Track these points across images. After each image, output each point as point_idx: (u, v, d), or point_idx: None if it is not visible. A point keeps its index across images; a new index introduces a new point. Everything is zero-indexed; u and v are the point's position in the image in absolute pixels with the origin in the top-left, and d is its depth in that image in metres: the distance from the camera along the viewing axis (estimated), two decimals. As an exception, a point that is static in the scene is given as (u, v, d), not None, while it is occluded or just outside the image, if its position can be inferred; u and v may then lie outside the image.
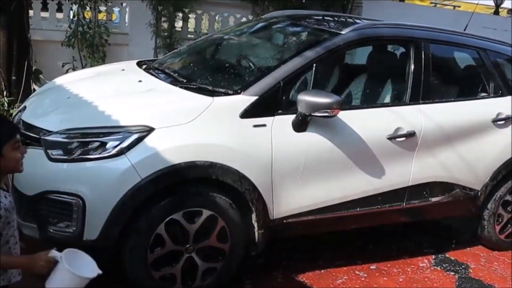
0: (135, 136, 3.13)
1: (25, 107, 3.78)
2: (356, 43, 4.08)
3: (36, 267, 2.18)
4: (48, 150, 3.16)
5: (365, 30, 4.11)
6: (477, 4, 6.95)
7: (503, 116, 4.39)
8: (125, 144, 3.10)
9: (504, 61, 4.68)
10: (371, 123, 3.87)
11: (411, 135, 3.94)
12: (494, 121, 4.36)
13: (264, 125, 3.47)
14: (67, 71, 6.84)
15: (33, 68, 6.71)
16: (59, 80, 4.21)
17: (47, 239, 3.20)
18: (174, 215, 3.25)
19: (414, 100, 4.07)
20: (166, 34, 8.11)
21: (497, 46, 4.67)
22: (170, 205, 3.23)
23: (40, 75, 6.88)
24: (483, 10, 15.10)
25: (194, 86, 3.65)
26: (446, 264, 4.40)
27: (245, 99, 3.47)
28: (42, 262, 2.18)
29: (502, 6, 15.44)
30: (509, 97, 4.51)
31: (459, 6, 17.17)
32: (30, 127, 3.39)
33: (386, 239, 4.62)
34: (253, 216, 3.50)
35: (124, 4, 8.12)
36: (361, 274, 4.06)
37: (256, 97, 3.48)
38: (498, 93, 4.52)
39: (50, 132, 3.22)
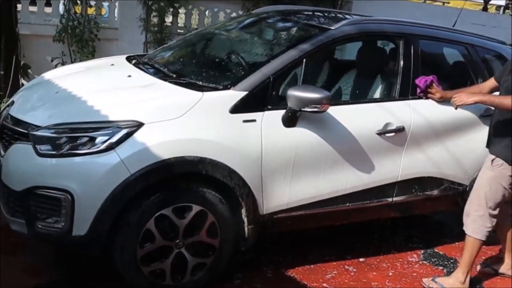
0: (124, 131, 3.11)
1: (13, 102, 3.76)
2: (346, 38, 4.08)
3: None
4: (36, 145, 3.14)
5: (355, 25, 4.11)
6: (466, 0, 6.97)
7: (491, 112, 4.40)
8: (114, 139, 3.09)
9: (492, 57, 4.70)
10: (360, 118, 3.88)
11: (400, 130, 3.96)
12: (482, 116, 4.38)
13: (254, 120, 3.46)
14: (56, 66, 6.81)
15: (22, 62, 6.69)
16: (48, 75, 4.19)
17: (35, 235, 3.19)
18: (164, 210, 3.24)
19: (403, 96, 4.09)
20: (156, 29, 8.09)
21: (485, 42, 4.69)
22: (159, 200, 3.23)
23: (29, 70, 6.86)
24: (472, 6, 15.19)
25: (184, 81, 3.64)
26: (435, 259, 4.43)
27: (235, 94, 3.46)
28: None
29: (490, 2, 15.54)
30: (497, 93, 4.53)
31: (448, 3, 17.24)
32: (18, 122, 3.37)
33: (376, 234, 4.63)
34: (243, 211, 3.50)
35: (114, -1, 8.09)
36: (350, 269, 4.08)
37: (246, 92, 3.47)
38: (486, 89, 4.53)
39: (38, 127, 3.20)
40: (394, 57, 4.19)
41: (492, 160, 3.82)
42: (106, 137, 3.10)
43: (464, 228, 3.93)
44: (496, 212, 3.83)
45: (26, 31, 6.93)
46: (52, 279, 3.53)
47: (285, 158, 3.56)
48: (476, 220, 3.85)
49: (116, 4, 8.04)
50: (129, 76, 3.82)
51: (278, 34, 4.47)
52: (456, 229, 4.90)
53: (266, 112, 3.51)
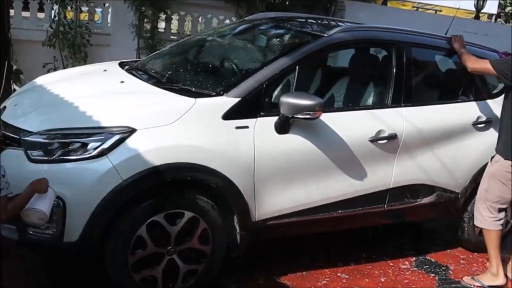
0: (116, 137, 3.10)
1: (5, 107, 3.74)
2: (338, 45, 4.11)
3: (41, 188, 2.80)
4: (28, 151, 3.12)
5: (347, 33, 4.13)
6: (458, 8, 7.01)
7: (483, 119, 4.43)
8: (106, 145, 3.08)
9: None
10: (353, 125, 3.89)
11: (392, 137, 3.97)
12: (474, 124, 4.40)
13: (246, 127, 3.46)
14: (48, 71, 6.78)
15: (14, 68, 6.65)
16: (40, 80, 4.17)
17: (26, 241, 3.17)
18: (156, 216, 3.23)
19: (395, 103, 4.10)
20: (148, 35, 8.08)
21: (477, 50, 4.71)
22: (151, 206, 3.21)
23: (21, 75, 6.82)
24: (464, 14, 15.27)
25: (177, 87, 3.63)
26: (427, 266, 4.43)
27: (228, 101, 3.46)
28: (44, 184, 2.81)
29: (482, 11, 15.63)
30: (489, 101, 4.56)
31: (441, 11, 17.32)
32: (10, 127, 3.34)
33: (368, 241, 4.63)
34: (235, 218, 3.50)
35: (107, 5, 8.07)
36: (342, 276, 4.08)
37: (238, 99, 3.47)
38: (478, 97, 4.56)
39: (30, 133, 3.18)
40: (386, 64, 4.20)
41: (492, 157, 4.06)
42: (98, 143, 3.08)
43: (475, 222, 4.19)
44: (500, 206, 4.05)
45: (18, 36, 6.90)
46: (42, 286, 3.51)
47: (277, 165, 3.56)
48: (481, 212, 4.10)
49: (109, 10, 8.03)
50: (122, 82, 3.81)
51: (271, 41, 4.48)
52: (447, 236, 4.93)
53: (259, 119, 3.51)
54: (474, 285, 4.12)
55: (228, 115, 3.43)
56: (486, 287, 4.08)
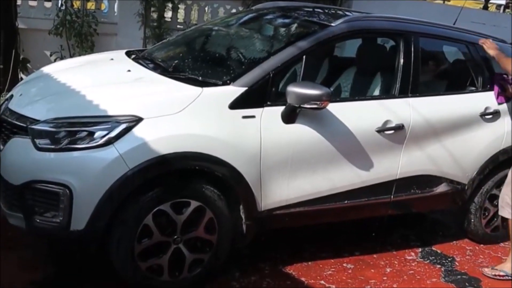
0: (123, 126, 3.10)
1: (12, 95, 3.75)
2: (346, 35, 4.07)
3: None
4: (35, 139, 3.13)
5: (355, 22, 4.10)
6: (466, -1, 6.96)
7: (491, 110, 4.41)
8: (113, 134, 3.08)
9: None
10: (360, 115, 3.87)
11: (399, 128, 3.95)
12: (482, 115, 4.38)
13: (253, 116, 3.46)
14: (55, 60, 6.80)
15: (21, 57, 6.68)
16: (47, 69, 4.18)
17: (33, 229, 3.19)
18: (162, 205, 3.23)
19: (403, 93, 4.08)
20: (155, 24, 8.07)
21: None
22: (158, 195, 3.22)
23: (28, 64, 6.84)
24: (472, 5, 15.20)
25: (183, 77, 3.63)
26: (433, 257, 4.43)
27: (235, 90, 3.46)
28: None
29: (491, 1, 15.54)
30: (497, 92, 4.53)
31: (449, 1, 17.24)
32: (17, 115, 3.36)
33: (373, 232, 4.63)
34: (241, 207, 3.50)
35: (114, -6, 8.07)
36: (348, 266, 4.08)
37: (245, 88, 3.46)
38: (486, 88, 4.53)
39: (37, 121, 3.19)
40: (394, 54, 4.18)
41: None
42: (105, 132, 3.09)
43: (500, 212, 4.24)
44: None
45: (25, 25, 6.92)
46: (48, 275, 3.52)
47: (283, 155, 3.55)
48: (508, 202, 4.09)
49: (116, -1, 8.03)
50: (129, 70, 3.81)
51: (278, 30, 4.46)
52: (454, 227, 4.93)
53: (266, 108, 3.50)
54: (499, 275, 4.15)
55: (235, 105, 3.42)
56: (510, 275, 4.11)
